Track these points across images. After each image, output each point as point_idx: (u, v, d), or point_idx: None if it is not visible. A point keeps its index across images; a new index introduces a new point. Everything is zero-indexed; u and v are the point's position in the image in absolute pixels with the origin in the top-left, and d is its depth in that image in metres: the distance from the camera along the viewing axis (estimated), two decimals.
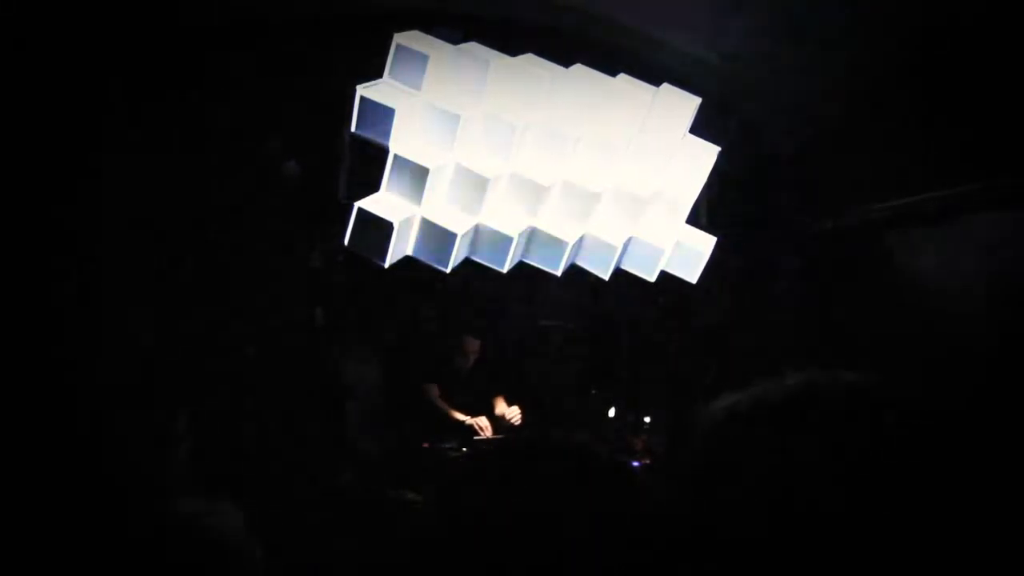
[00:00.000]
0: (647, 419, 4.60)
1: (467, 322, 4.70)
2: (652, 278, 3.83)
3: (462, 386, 4.50)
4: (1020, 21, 3.35)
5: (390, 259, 3.41)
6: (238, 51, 4.12)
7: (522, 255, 3.66)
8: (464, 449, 4.15)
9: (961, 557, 0.81)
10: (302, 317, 4.42)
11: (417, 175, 3.32)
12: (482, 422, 4.32)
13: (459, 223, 3.42)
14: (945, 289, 4.19)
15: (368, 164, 3.55)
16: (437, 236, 3.43)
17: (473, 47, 3.41)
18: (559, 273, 3.68)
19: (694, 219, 3.93)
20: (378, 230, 3.35)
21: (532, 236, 3.62)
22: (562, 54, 3.57)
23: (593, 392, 4.88)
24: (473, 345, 4.54)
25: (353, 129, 3.32)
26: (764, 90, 4.41)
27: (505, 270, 3.60)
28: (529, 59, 3.48)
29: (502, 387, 4.56)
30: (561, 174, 3.55)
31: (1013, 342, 3.75)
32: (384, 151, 3.34)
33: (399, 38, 3.30)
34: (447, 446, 4.18)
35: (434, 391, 4.45)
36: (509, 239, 3.49)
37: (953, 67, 3.74)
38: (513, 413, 4.38)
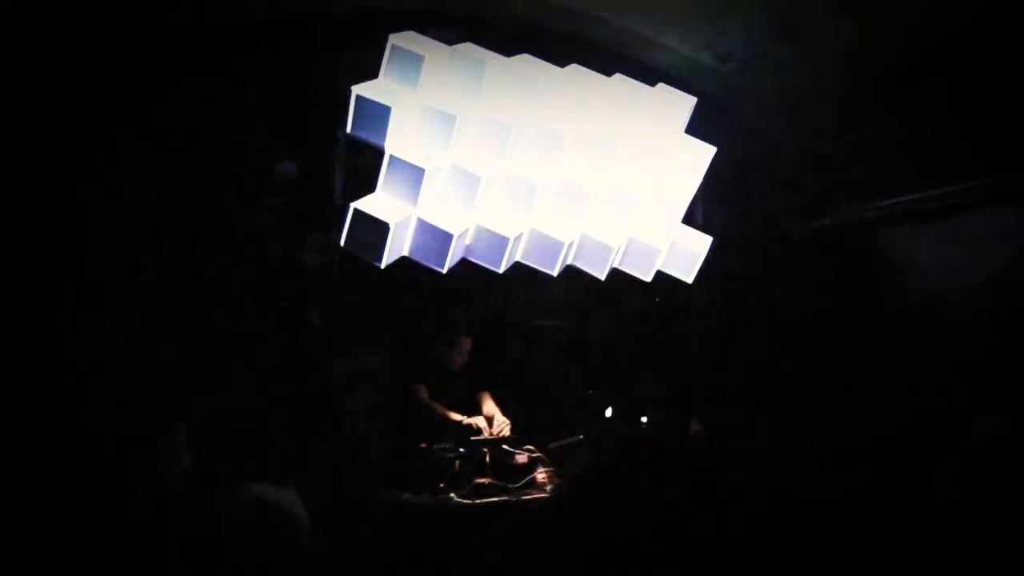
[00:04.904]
0: (644, 419, 4.60)
1: (462, 322, 4.69)
2: (648, 278, 3.82)
3: (453, 385, 4.50)
4: (1018, 20, 3.35)
5: (386, 260, 3.41)
6: (234, 51, 4.12)
7: (518, 255, 3.66)
8: (462, 449, 4.15)
9: None
10: (298, 317, 4.42)
11: (413, 175, 3.31)
12: (480, 422, 4.32)
13: (455, 223, 3.41)
14: (943, 288, 4.20)
15: (364, 165, 3.55)
16: (433, 236, 3.42)
17: (468, 47, 3.41)
18: (555, 273, 3.68)
19: (690, 219, 3.93)
20: (374, 231, 3.34)
21: (528, 236, 3.61)
22: (558, 54, 3.58)
23: (590, 392, 4.88)
24: (466, 343, 4.53)
25: (349, 129, 3.32)
26: (760, 90, 4.41)
27: (501, 270, 3.59)
28: (524, 59, 3.47)
29: (493, 386, 4.56)
30: (557, 174, 3.55)
31: (1012, 341, 3.75)
32: (380, 152, 3.33)
33: (394, 39, 3.29)
34: (445, 446, 4.17)
35: (423, 392, 4.44)
36: (505, 239, 3.48)
37: (951, 66, 3.74)
38: (500, 424, 4.37)
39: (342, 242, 3.41)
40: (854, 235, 4.66)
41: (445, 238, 3.39)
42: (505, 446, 4.20)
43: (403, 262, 3.55)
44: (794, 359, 4.68)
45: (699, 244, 3.82)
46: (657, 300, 4.90)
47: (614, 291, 4.58)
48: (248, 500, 1.81)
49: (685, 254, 3.80)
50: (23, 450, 3.37)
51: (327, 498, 3.98)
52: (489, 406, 4.47)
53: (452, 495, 3.93)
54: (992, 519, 1.87)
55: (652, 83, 3.66)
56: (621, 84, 3.59)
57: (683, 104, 3.62)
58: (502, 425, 4.35)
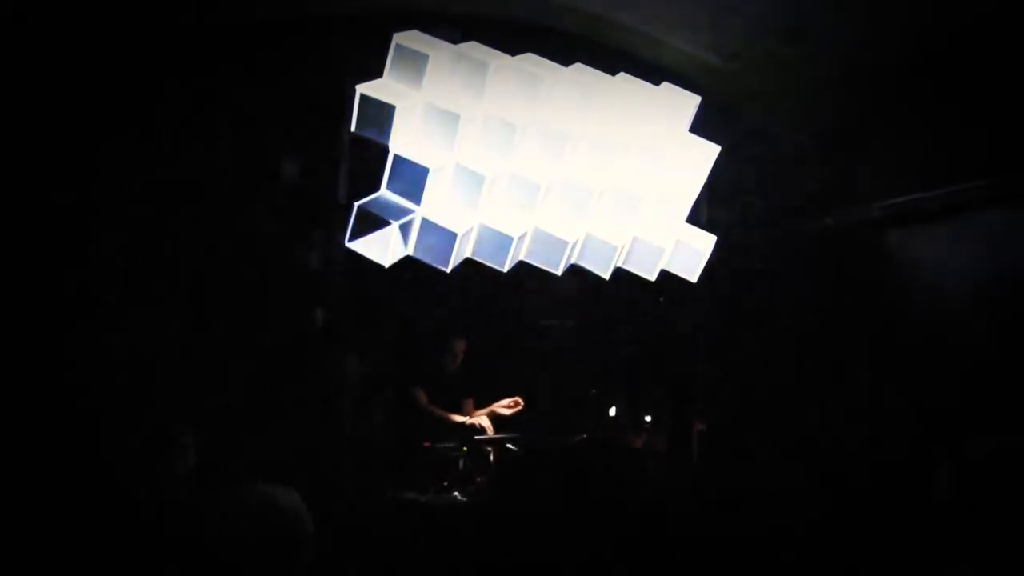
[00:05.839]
0: (647, 418, 4.61)
1: (465, 322, 4.70)
2: (652, 277, 3.82)
3: (449, 386, 4.50)
4: (1018, 20, 3.36)
5: (390, 259, 3.41)
6: (238, 51, 4.12)
7: (523, 255, 3.66)
8: (465, 448, 4.15)
9: None
10: (302, 318, 4.42)
11: (417, 175, 3.32)
12: (484, 422, 4.32)
13: (459, 223, 3.41)
14: (945, 288, 4.20)
15: (368, 164, 3.55)
16: (437, 236, 3.43)
17: (473, 47, 3.41)
18: (559, 273, 3.68)
19: (694, 218, 3.93)
20: (378, 231, 3.35)
21: (532, 236, 3.61)
22: (562, 53, 3.57)
23: (592, 391, 4.88)
24: (460, 346, 4.53)
25: (353, 129, 3.32)
26: (764, 89, 4.42)
27: (505, 270, 3.60)
28: (529, 59, 3.47)
29: (492, 386, 4.57)
30: (561, 173, 3.55)
31: (1013, 341, 3.75)
32: (384, 151, 3.34)
33: (399, 38, 3.29)
34: (448, 445, 4.17)
35: (422, 396, 4.43)
36: (509, 239, 3.48)
37: (952, 66, 3.75)
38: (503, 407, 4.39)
39: (346, 242, 3.42)
40: (856, 235, 4.66)
41: (449, 237, 3.39)
42: (509, 445, 4.20)
43: (406, 262, 3.55)
44: (796, 358, 4.68)
45: (703, 243, 3.82)
46: (661, 300, 4.90)
47: (617, 290, 4.58)
48: (252, 501, 1.81)
49: (689, 253, 3.80)
50: (22, 450, 3.37)
51: (330, 498, 3.99)
52: (494, 406, 4.48)
53: (456, 494, 3.93)
54: (989, 523, 1.89)
55: (656, 82, 3.66)
56: (625, 83, 3.59)
57: (687, 103, 3.62)
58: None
